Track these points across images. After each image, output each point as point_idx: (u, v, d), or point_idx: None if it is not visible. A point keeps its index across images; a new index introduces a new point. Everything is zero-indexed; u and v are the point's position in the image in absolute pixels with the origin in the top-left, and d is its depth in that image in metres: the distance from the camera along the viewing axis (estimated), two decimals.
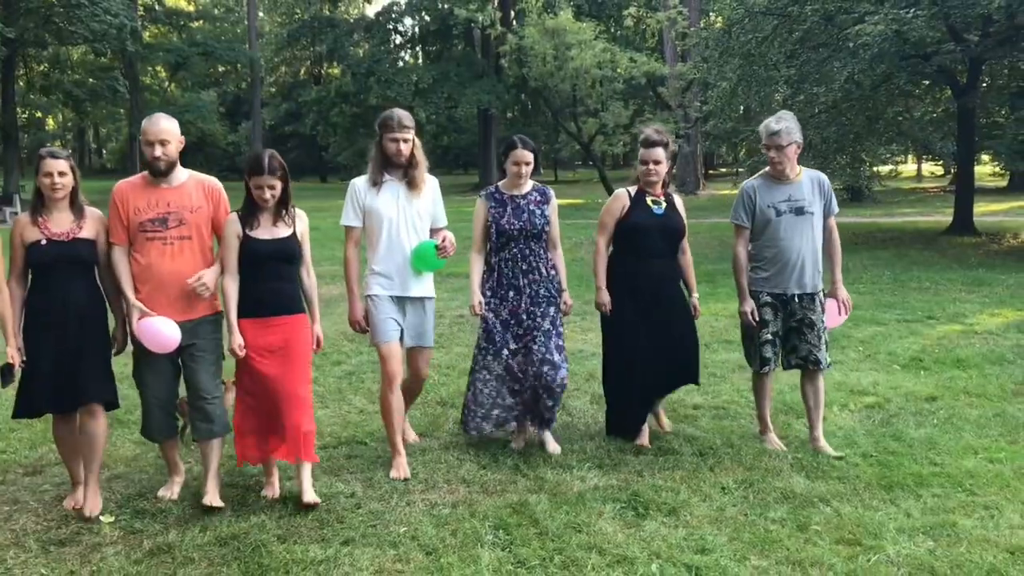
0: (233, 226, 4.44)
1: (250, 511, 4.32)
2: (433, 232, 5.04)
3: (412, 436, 5.43)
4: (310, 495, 4.35)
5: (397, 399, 4.92)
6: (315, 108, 44.69)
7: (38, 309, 4.31)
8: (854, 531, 3.93)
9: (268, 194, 4.35)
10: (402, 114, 4.87)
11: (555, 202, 5.29)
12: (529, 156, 5.06)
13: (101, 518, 4.23)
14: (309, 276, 4.62)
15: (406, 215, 4.91)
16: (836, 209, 5.23)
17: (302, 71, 57.35)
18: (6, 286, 4.25)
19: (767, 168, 5.18)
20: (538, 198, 5.19)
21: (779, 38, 17.51)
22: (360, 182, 5.00)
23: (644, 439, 5.23)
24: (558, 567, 3.66)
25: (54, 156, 4.33)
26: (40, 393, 4.30)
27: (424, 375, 5.25)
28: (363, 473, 4.85)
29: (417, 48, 50.78)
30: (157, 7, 45.22)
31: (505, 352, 5.09)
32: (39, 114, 51.31)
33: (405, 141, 4.82)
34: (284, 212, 4.49)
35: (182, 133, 4.50)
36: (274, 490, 4.51)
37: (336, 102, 43.26)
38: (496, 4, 39.32)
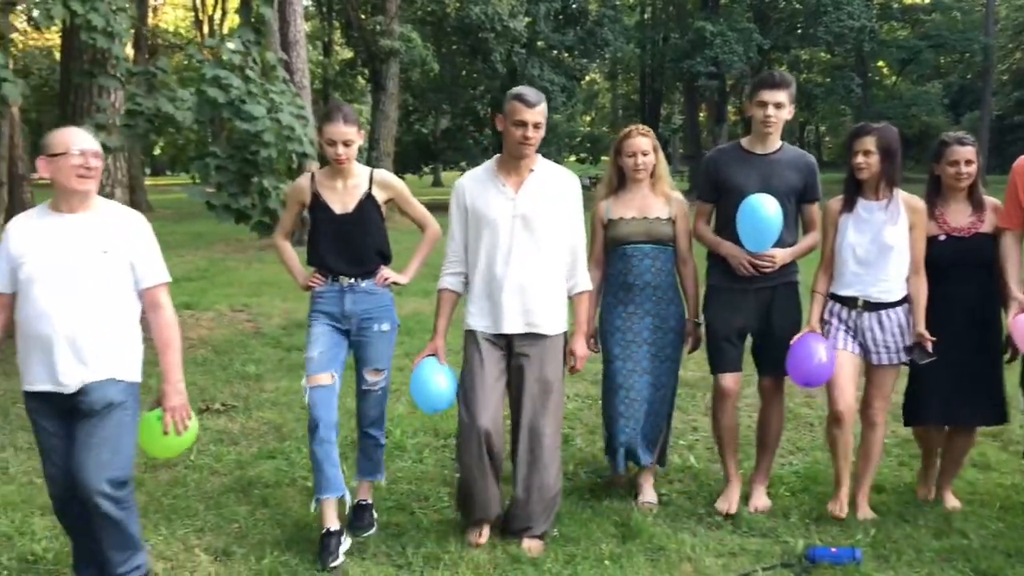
0: None
1: None
2: None
3: None
4: None
5: None
6: None
7: (933, 315, 3.82)
8: None
9: None
10: None
11: None
12: None
13: None
14: None
15: None
16: None
17: None
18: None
19: None
20: None
21: None
22: None
23: None
24: None
25: (961, 143, 3.84)
26: (928, 402, 3.99)
27: None
28: None
29: None
30: (895, 5, 47.05)
31: None
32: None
33: None
34: None
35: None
36: None
37: None
38: None
